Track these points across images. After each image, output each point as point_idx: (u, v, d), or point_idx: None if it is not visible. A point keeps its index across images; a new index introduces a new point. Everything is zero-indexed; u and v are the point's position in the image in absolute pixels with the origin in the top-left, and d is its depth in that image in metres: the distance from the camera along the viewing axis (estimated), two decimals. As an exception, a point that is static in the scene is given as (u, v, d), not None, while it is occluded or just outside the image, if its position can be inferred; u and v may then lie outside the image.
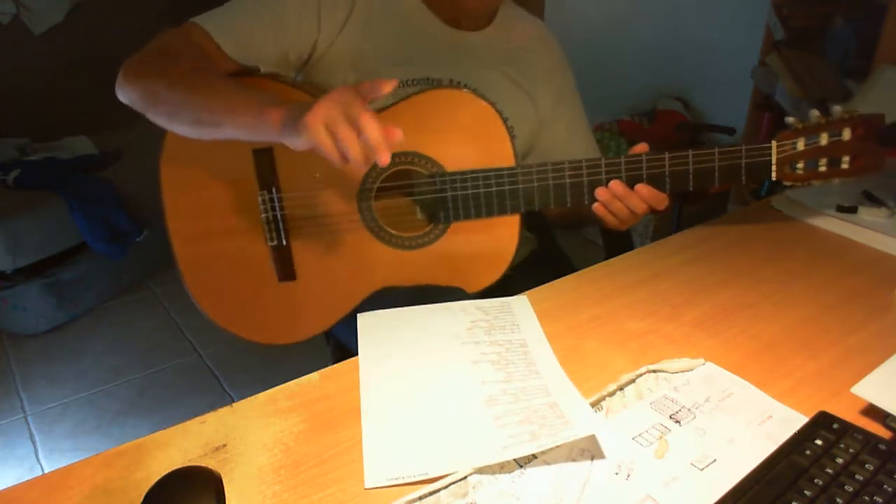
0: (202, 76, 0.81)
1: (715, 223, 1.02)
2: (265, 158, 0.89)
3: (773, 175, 0.88)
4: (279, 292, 0.94)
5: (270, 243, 0.92)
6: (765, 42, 2.04)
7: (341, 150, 0.68)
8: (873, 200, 0.99)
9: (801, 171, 0.89)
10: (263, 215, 0.91)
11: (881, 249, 0.92)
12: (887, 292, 0.81)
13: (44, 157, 2.57)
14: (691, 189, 0.89)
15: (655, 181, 0.88)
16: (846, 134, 0.87)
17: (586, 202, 0.89)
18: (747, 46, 2.16)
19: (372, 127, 0.66)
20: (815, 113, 0.88)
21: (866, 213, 0.97)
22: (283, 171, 0.90)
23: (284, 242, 0.92)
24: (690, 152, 0.87)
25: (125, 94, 0.85)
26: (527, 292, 0.85)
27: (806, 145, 0.88)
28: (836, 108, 0.87)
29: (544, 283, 0.87)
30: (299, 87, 0.94)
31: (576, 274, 0.90)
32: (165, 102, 0.81)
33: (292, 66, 0.95)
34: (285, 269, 0.93)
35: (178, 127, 0.83)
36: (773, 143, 0.88)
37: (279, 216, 0.91)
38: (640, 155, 0.87)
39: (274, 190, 0.90)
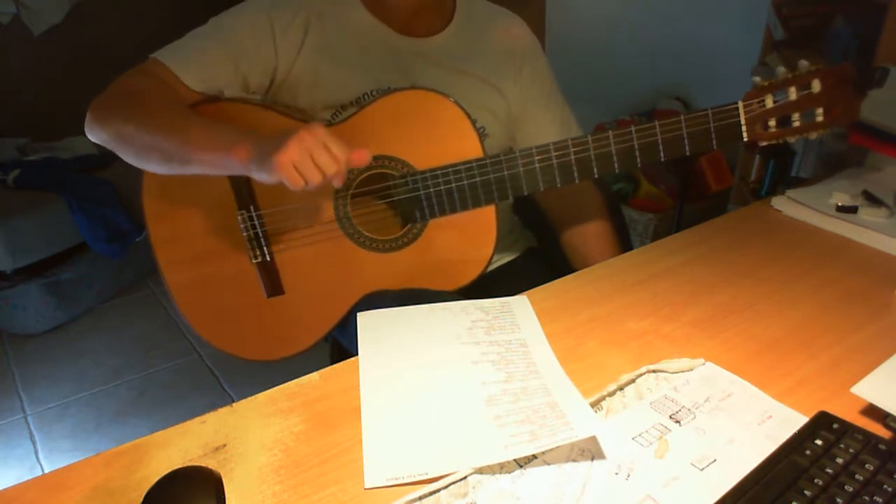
0: (168, 115, 0.83)
1: (715, 223, 1.02)
2: (241, 178, 0.90)
3: (745, 136, 0.86)
4: (269, 308, 0.95)
5: (255, 260, 0.93)
6: (765, 42, 2.03)
7: (307, 182, 0.75)
8: (873, 200, 0.99)
9: (774, 130, 0.87)
10: (245, 234, 0.92)
11: (881, 249, 0.92)
12: (887, 292, 0.81)
13: (44, 157, 2.57)
14: (663, 160, 0.87)
15: (625, 156, 0.87)
16: (816, 86, 0.85)
17: (559, 184, 0.89)
18: (747, 46, 2.15)
19: (342, 159, 0.75)
20: (781, 69, 0.86)
21: (866, 213, 0.97)
22: (260, 189, 0.91)
23: (268, 258, 0.93)
24: (657, 122, 0.86)
25: (95, 136, 0.87)
26: (527, 292, 0.85)
27: (775, 102, 0.85)
28: (803, 63, 0.85)
29: (544, 283, 0.87)
30: (269, 106, 0.94)
31: (576, 274, 0.90)
32: (135, 143, 0.84)
33: (254, 92, 0.96)
34: (272, 284, 0.94)
35: (149, 165, 0.86)
36: (740, 104, 0.86)
37: (260, 233, 0.92)
38: (606, 132, 0.86)
39: (252, 208, 0.91)
